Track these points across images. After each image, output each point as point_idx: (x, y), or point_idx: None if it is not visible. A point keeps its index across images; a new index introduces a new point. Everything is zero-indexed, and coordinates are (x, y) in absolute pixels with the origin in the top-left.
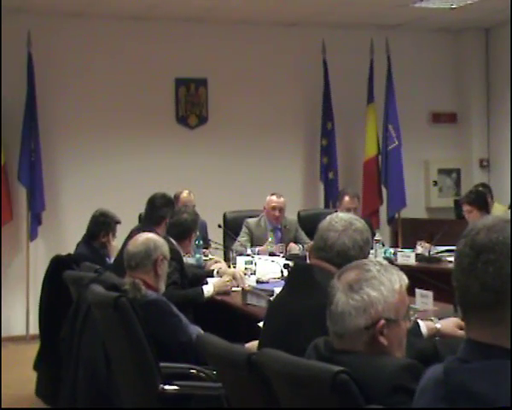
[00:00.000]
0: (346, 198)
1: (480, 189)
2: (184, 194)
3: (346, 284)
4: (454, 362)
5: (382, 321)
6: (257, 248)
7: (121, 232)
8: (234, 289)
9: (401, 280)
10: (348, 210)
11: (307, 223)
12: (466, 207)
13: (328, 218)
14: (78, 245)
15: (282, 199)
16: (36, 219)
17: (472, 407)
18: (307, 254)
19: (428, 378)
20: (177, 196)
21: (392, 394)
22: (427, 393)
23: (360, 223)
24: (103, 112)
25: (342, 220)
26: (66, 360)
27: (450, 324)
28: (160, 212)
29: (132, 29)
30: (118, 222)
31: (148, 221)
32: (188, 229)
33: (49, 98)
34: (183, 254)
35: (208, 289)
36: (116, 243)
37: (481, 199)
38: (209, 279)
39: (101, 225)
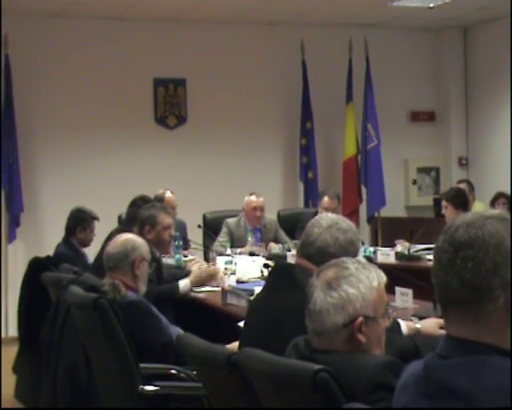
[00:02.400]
0: (325, 198)
1: (462, 186)
2: (168, 194)
3: (325, 281)
4: (434, 358)
5: (360, 318)
6: (238, 250)
7: (101, 233)
8: (214, 289)
9: (379, 278)
10: (327, 210)
11: (287, 223)
12: (443, 203)
13: (317, 216)
14: (57, 246)
15: (261, 198)
16: (14, 221)
17: (452, 403)
18: (292, 252)
19: (409, 374)
20: (160, 197)
21: (373, 391)
22: (408, 389)
23: (346, 224)
24: (81, 113)
25: (329, 219)
26: (45, 361)
27: (430, 324)
28: (132, 212)
29: (110, 29)
30: (94, 218)
31: (124, 222)
32: (140, 224)
33: (27, 100)
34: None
35: (185, 283)
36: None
37: (459, 197)
38: None
39: (78, 220)
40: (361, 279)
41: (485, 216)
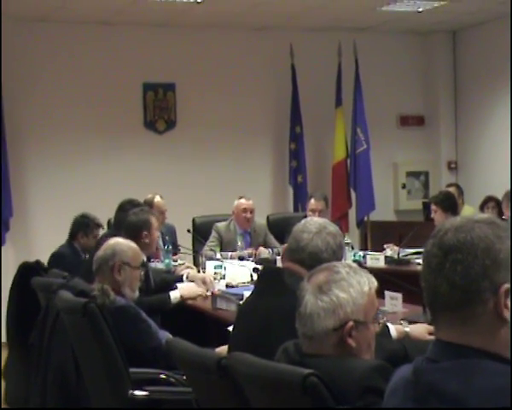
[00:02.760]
0: (312, 201)
1: (451, 190)
2: (158, 198)
3: (316, 285)
4: (423, 362)
5: (351, 323)
6: (229, 253)
7: None
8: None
9: (370, 283)
10: (313, 211)
11: (276, 227)
12: (432, 207)
13: (303, 221)
14: (60, 246)
15: (250, 201)
16: (4, 226)
17: (441, 407)
18: (280, 256)
19: (398, 378)
20: (149, 201)
21: (363, 395)
22: (397, 393)
23: (334, 228)
24: (71, 117)
25: (316, 223)
26: (35, 366)
27: (419, 329)
28: (120, 216)
29: (100, 34)
30: (99, 225)
31: (113, 226)
32: (136, 229)
33: (16, 103)
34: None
35: (175, 295)
36: None
37: (448, 201)
38: (178, 285)
39: (80, 225)
40: (352, 284)
41: (473, 220)
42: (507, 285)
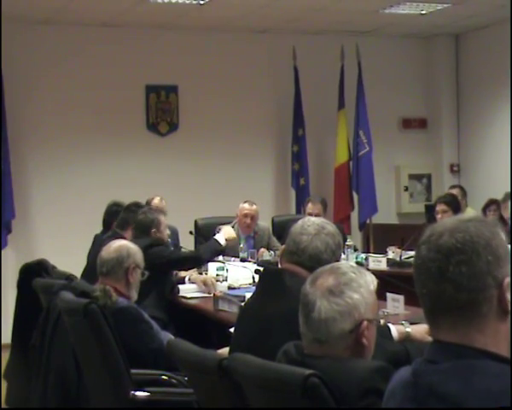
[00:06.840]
0: (309, 204)
1: (454, 192)
2: (156, 200)
3: (326, 289)
4: (422, 364)
5: (365, 322)
6: (232, 258)
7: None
8: (205, 295)
9: (373, 281)
10: (310, 215)
11: (281, 229)
12: (442, 207)
13: (300, 222)
14: (95, 238)
15: (254, 207)
16: (5, 228)
17: (441, 408)
18: (279, 258)
19: (397, 380)
20: (148, 203)
21: (364, 396)
22: (397, 395)
23: (332, 227)
24: (73, 119)
25: (314, 224)
26: (36, 367)
27: (420, 329)
28: (125, 217)
29: (102, 36)
30: None
31: (115, 226)
32: (146, 227)
33: (18, 105)
34: None
35: (221, 238)
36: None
37: (455, 203)
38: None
39: (114, 214)
40: (361, 284)
41: (465, 220)
42: (508, 279)
